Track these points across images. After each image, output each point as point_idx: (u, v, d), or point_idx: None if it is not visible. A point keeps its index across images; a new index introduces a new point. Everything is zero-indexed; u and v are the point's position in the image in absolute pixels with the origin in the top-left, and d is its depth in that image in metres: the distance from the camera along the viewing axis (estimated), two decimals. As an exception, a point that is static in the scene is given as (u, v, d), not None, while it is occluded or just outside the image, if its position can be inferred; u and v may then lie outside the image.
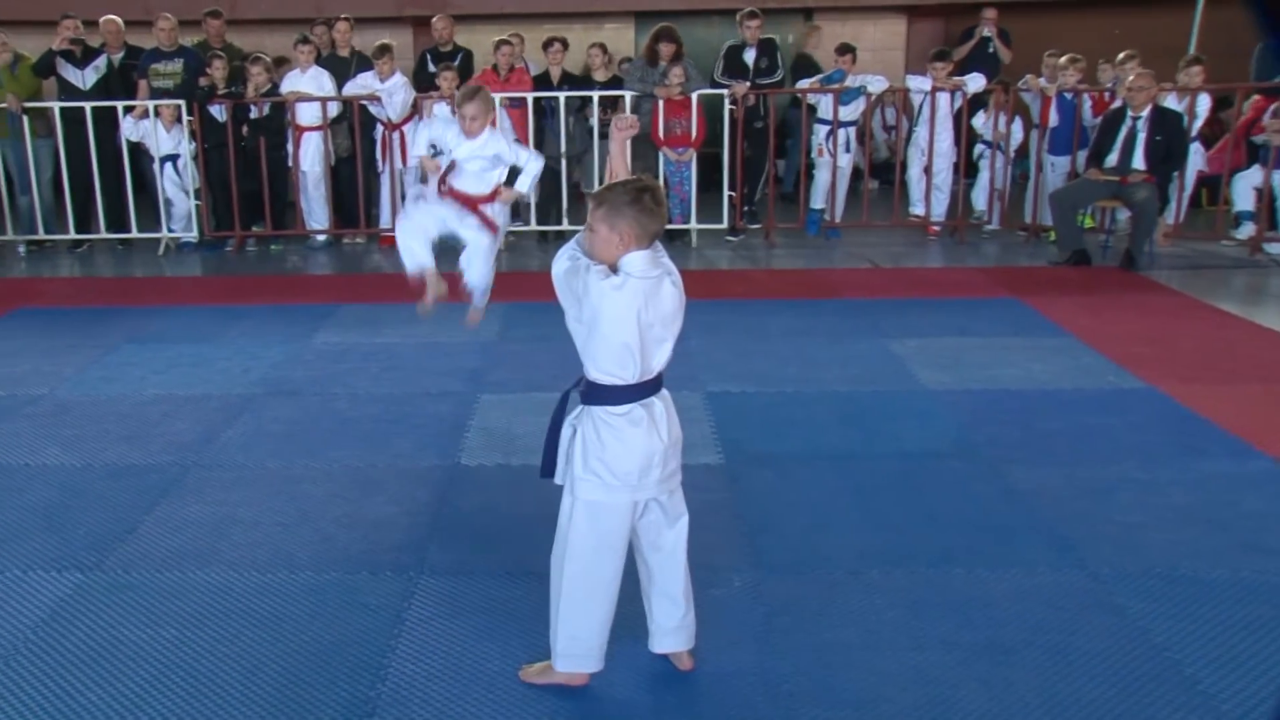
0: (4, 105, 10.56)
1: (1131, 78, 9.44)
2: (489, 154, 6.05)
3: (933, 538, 4.51)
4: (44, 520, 4.81)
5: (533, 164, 6.25)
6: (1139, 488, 4.99)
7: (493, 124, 6.11)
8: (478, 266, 6.25)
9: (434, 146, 6.49)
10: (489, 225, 6.19)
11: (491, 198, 6.14)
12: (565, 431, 3.41)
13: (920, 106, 10.78)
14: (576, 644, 3.44)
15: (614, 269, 3.26)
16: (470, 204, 6.13)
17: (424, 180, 6.17)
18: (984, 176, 11.01)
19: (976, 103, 10.81)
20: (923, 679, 3.54)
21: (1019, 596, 4.04)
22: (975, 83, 10.60)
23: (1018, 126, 10.88)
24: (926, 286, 8.94)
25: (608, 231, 3.24)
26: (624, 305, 3.21)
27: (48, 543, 4.59)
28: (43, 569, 4.37)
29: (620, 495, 3.33)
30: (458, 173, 6.11)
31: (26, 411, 6.22)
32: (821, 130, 10.87)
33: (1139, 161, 9.30)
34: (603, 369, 3.29)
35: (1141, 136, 9.30)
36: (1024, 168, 11.48)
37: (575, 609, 3.41)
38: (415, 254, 6.20)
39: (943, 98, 10.59)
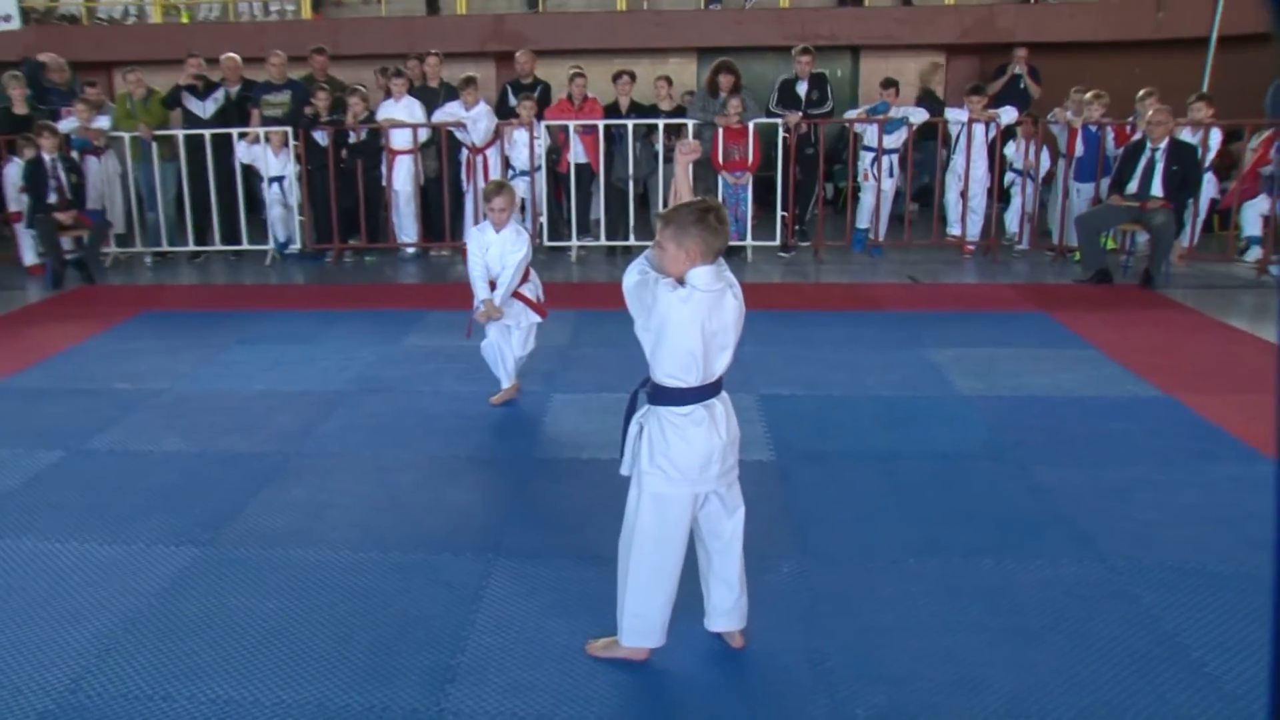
0: (137, 134, 10.83)
1: (1151, 113, 9.34)
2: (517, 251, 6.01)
3: (965, 531, 4.48)
4: (165, 500, 4.90)
5: (506, 274, 6.02)
6: (1154, 488, 4.93)
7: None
8: (521, 341, 6.28)
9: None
10: (536, 309, 6.22)
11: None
12: (632, 429, 3.43)
13: (957, 136, 10.70)
14: (642, 621, 3.45)
15: (681, 282, 3.25)
16: (520, 298, 6.16)
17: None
18: (1015, 201, 10.91)
19: (1008, 133, 10.73)
20: (954, 659, 3.52)
21: (1043, 585, 4.01)
22: (1008, 115, 10.53)
23: (1046, 155, 10.78)
24: (962, 301, 8.86)
25: (675, 248, 3.26)
26: (689, 316, 3.22)
27: (168, 521, 4.68)
28: (164, 544, 4.46)
29: (682, 488, 3.34)
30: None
31: (150, 404, 6.33)
32: (867, 157, 10.82)
33: (1157, 189, 9.20)
34: (668, 373, 3.30)
35: (1160, 166, 9.20)
36: (1048, 193, 11.37)
37: (641, 590, 3.43)
38: (500, 365, 6.27)
39: (978, 128, 10.51)
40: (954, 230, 10.93)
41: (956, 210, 10.81)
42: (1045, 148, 10.75)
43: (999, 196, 10.92)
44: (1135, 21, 12.95)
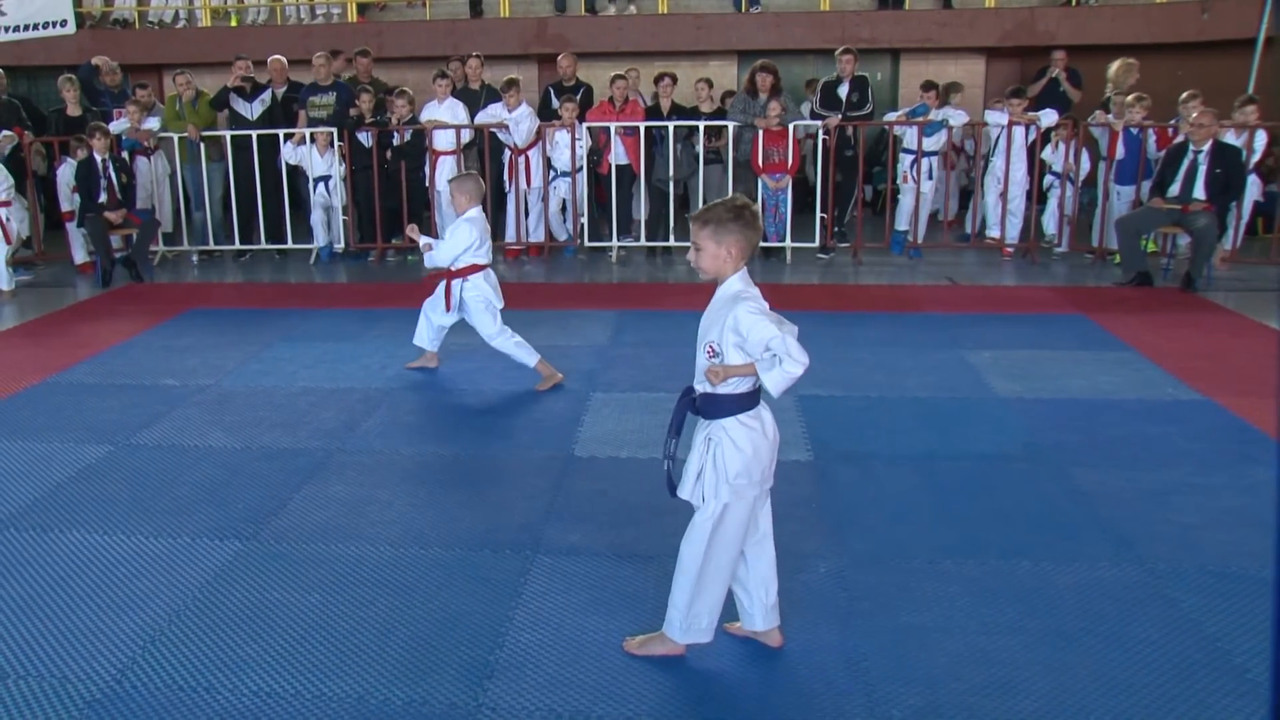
0: (185, 135, 10.95)
1: (1195, 115, 9.22)
2: None
3: (1002, 533, 4.44)
4: (209, 495, 4.94)
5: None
6: (1194, 491, 4.86)
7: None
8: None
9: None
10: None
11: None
12: (699, 448, 3.41)
13: (997, 139, 10.60)
14: (699, 619, 3.45)
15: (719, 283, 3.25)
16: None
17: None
18: (1053, 203, 10.79)
19: (1048, 136, 10.61)
20: (991, 661, 3.49)
21: (1080, 588, 3.96)
22: (1048, 118, 10.42)
23: (1086, 158, 10.66)
24: (1000, 303, 8.78)
25: (715, 247, 3.26)
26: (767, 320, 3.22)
27: (212, 515, 4.72)
28: (208, 537, 4.49)
29: (750, 493, 3.35)
30: None
31: (196, 399, 6.39)
32: (906, 159, 10.76)
33: (1199, 192, 9.08)
34: (732, 381, 3.28)
35: (1202, 169, 9.08)
36: (1091, 196, 11.22)
37: (705, 589, 3.42)
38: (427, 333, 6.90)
39: (1018, 131, 10.42)
40: (993, 233, 10.84)
41: (996, 213, 10.72)
42: (1085, 150, 10.64)
43: (1038, 199, 10.82)
44: (1180, 23, 12.80)
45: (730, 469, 3.32)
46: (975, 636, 3.65)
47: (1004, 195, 10.55)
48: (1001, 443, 5.54)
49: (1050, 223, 10.93)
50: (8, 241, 9.66)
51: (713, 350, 3.32)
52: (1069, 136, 10.45)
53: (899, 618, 3.78)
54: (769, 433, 3.38)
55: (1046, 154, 10.58)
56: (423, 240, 6.49)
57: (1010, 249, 10.74)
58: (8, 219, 9.71)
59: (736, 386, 3.32)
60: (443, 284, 6.55)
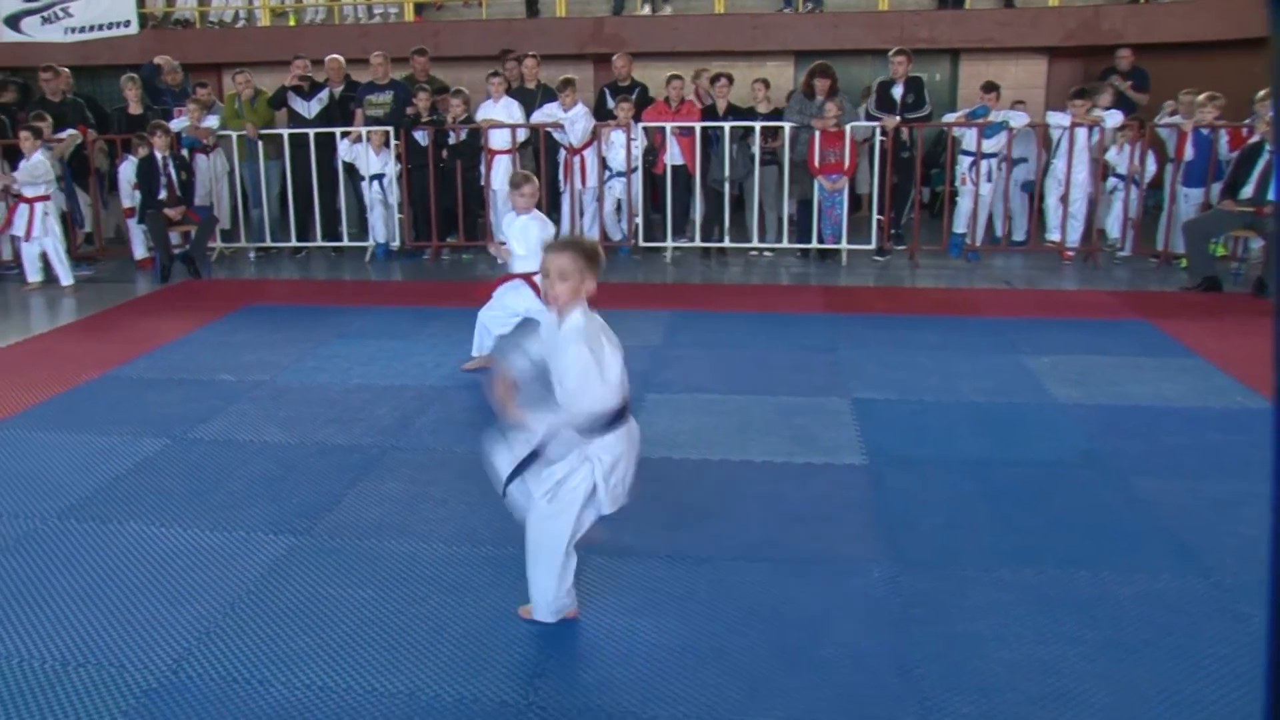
0: (244, 133, 11.10)
1: (1271, 114, 9.03)
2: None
3: (1060, 541, 4.38)
4: (264, 489, 5.00)
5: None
6: (1262, 501, 4.67)
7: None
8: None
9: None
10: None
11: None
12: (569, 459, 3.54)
13: (1059, 140, 10.47)
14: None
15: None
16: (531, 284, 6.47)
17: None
18: (1117, 206, 10.63)
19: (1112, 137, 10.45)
20: (1048, 671, 3.44)
21: (1142, 600, 3.89)
22: (1113, 119, 10.26)
23: (1152, 160, 10.48)
24: (1060, 307, 8.67)
25: (578, 279, 3.44)
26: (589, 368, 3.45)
27: (267, 509, 4.77)
28: (262, 531, 4.54)
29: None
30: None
31: (251, 395, 6.46)
32: (965, 161, 10.67)
33: (1276, 194, 8.90)
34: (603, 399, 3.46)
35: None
36: (1157, 199, 11.04)
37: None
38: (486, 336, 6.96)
39: (1080, 132, 10.28)
40: (1053, 236, 10.71)
41: (1056, 215, 10.59)
42: (1151, 152, 10.46)
43: (1100, 201, 10.66)
44: (1255, 18, 12.52)
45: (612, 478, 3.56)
46: (1032, 646, 3.60)
47: (1064, 198, 10.43)
48: (1060, 449, 5.46)
49: (1113, 226, 10.77)
50: (28, 238, 9.78)
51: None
52: (1134, 138, 10.29)
53: (953, 625, 3.74)
54: (634, 439, 3.62)
55: (1110, 155, 10.41)
56: (502, 247, 6.70)
57: (1071, 252, 10.61)
58: (45, 213, 9.82)
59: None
60: (511, 285, 6.63)
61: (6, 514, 4.74)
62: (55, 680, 3.46)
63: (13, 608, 3.93)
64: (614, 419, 3.50)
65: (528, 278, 6.44)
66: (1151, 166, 10.49)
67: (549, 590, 3.65)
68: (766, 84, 11.00)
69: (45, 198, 9.85)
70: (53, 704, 3.33)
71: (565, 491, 3.52)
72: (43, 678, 3.47)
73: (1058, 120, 10.46)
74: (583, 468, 3.51)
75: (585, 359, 3.36)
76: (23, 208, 9.75)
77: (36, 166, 9.70)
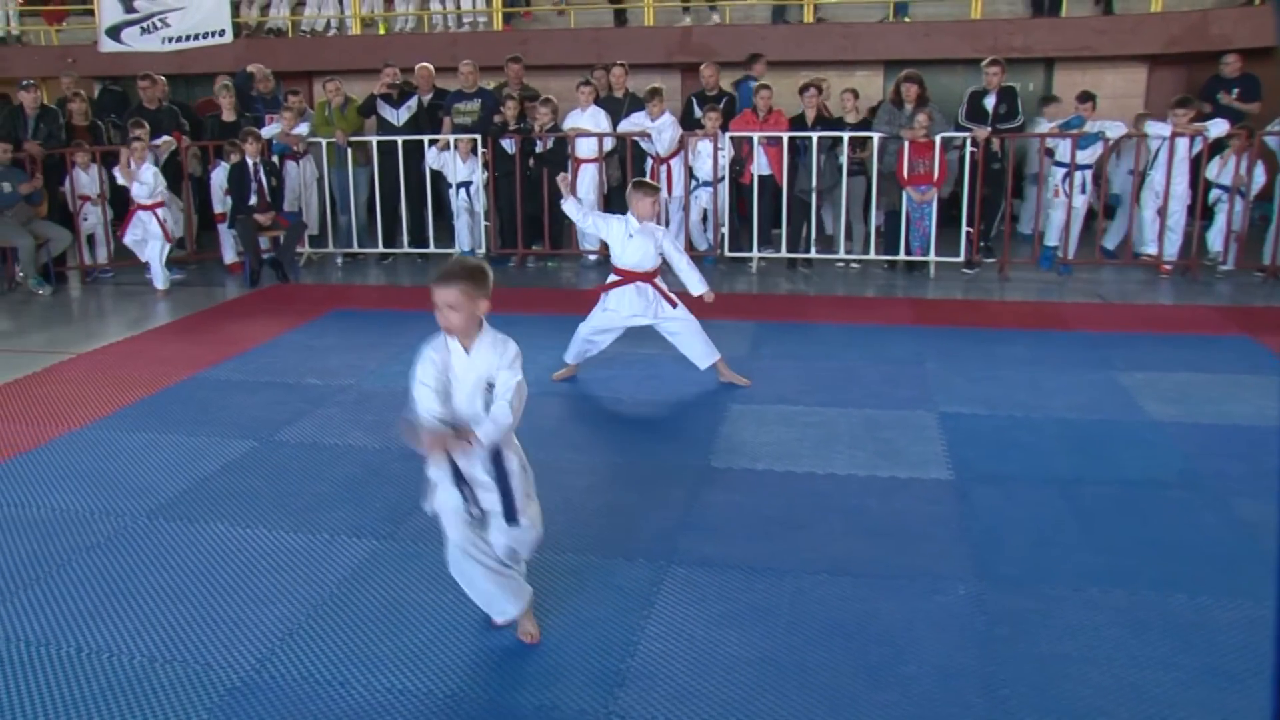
0: (333, 140, 11.30)
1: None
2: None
3: (1155, 562, 4.28)
4: (348, 493, 5.08)
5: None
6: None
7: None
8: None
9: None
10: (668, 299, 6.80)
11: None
12: (516, 475, 3.76)
13: (1157, 151, 10.23)
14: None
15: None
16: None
17: None
18: (1220, 218, 10.34)
19: (1215, 148, 10.17)
20: (1141, 696, 3.36)
21: (1245, 626, 3.78)
22: (1217, 128, 9.98)
23: (1261, 170, 10.17)
24: (1156, 322, 8.46)
25: (470, 306, 3.67)
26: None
27: (351, 513, 4.84)
28: (346, 535, 4.62)
29: None
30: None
31: (337, 399, 6.57)
32: (1059, 172, 10.48)
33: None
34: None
35: None
36: (1265, 210, 10.72)
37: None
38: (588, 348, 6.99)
39: (1181, 142, 10.03)
40: (1149, 249, 10.47)
41: (1153, 228, 10.36)
42: (1261, 162, 10.15)
43: (1201, 214, 10.39)
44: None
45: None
46: (1123, 669, 3.52)
47: (1161, 211, 10.19)
48: (1155, 468, 5.34)
49: (1216, 239, 10.49)
50: (168, 239, 10.14)
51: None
52: (1241, 148, 10.00)
53: (1040, 645, 3.68)
54: None
55: (1212, 170, 10.12)
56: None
57: (1169, 266, 10.37)
58: (165, 219, 10.20)
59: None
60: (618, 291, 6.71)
61: (99, 512, 4.88)
62: (144, 676, 3.55)
63: (104, 604, 4.04)
64: None
65: (644, 277, 6.56)
66: (1260, 178, 10.19)
67: (498, 593, 3.74)
68: (855, 94, 10.92)
69: (161, 204, 10.18)
70: (141, 700, 3.41)
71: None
72: (132, 673, 3.56)
73: (1157, 130, 10.23)
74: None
75: (520, 382, 3.66)
76: (141, 215, 10.14)
77: (152, 180, 10.09)
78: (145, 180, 10.10)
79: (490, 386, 3.63)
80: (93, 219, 10.96)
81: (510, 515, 3.68)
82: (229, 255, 11.16)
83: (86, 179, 10.82)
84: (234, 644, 3.74)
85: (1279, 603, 1.70)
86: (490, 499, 3.67)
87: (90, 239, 11.05)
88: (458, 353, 3.68)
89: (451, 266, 3.69)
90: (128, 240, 10.32)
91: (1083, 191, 10.41)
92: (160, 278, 10.14)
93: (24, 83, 11.44)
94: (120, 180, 10.24)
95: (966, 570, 4.24)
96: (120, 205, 10.79)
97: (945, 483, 5.16)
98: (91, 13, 14.15)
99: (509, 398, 3.59)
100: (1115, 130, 10.33)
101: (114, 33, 11.92)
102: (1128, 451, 5.57)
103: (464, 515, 3.66)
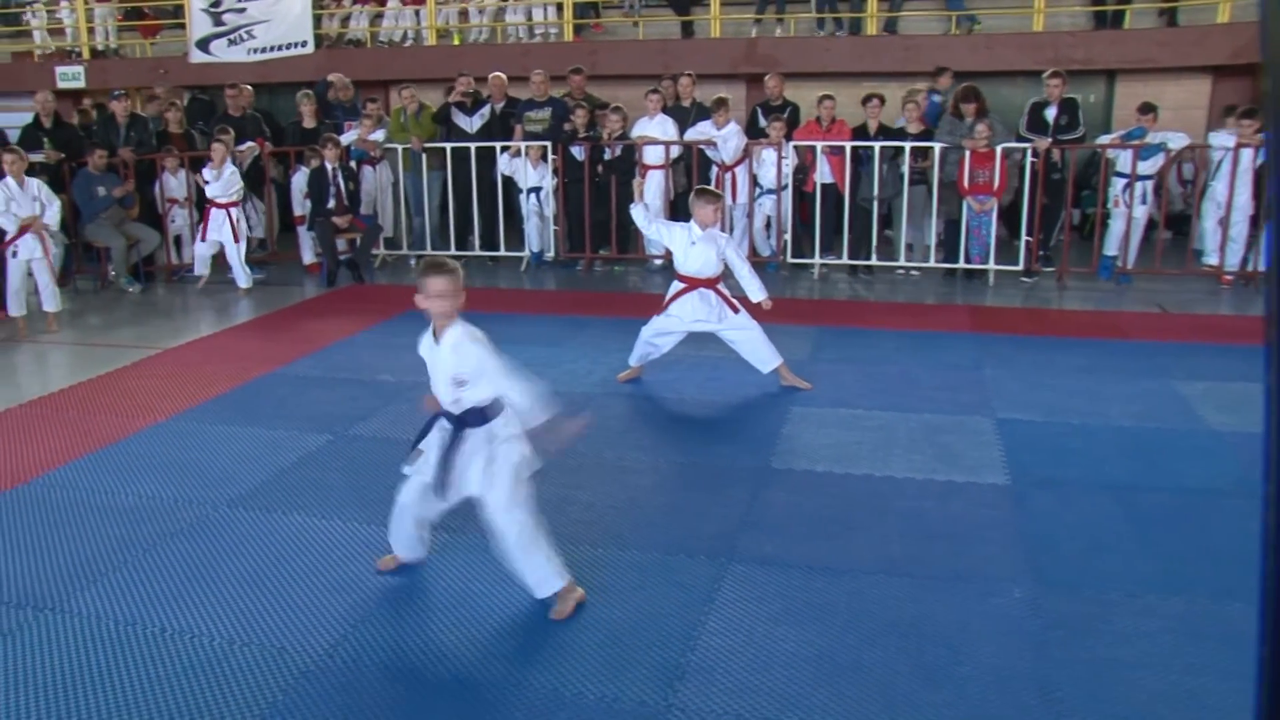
0: (409, 145, 11.44)
1: None
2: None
3: (1212, 571, 4.20)
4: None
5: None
6: None
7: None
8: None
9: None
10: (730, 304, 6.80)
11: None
12: (479, 452, 4.00)
13: (1220, 162, 10.05)
14: (554, 559, 3.93)
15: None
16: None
17: None
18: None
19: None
20: (1197, 703, 3.30)
21: (1300, 635, 3.70)
22: None
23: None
24: (1216, 332, 8.30)
25: (455, 295, 4.10)
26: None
27: (421, 506, 4.89)
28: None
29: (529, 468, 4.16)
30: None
31: (409, 395, 6.61)
32: (1119, 183, 10.33)
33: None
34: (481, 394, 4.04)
35: None
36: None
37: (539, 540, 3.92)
38: (651, 350, 7.02)
39: (1245, 153, 9.84)
40: (1211, 260, 10.28)
41: (1215, 239, 10.17)
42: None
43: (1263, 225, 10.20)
44: None
45: (517, 455, 3.96)
46: (1179, 676, 3.46)
47: (1224, 221, 10.00)
48: (1213, 477, 5.24)
49: (1276, 251, 10.28)
50: (236, 239, 10.30)
51: (462, 380, 4.02)
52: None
53: (1094, 649, 3.63)
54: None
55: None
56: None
57: (1230, 277, 10.18)
58: (239, 219, 10.37)
59: (485, 399, 4.00)
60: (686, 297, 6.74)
61: (181, 501, 4.98)
62: (223, 656, 3.62)
63: (186, 588, 4.12)
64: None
65: (706, 283, 6.59)
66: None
67: (543, 563, 3.87)
68: (918, 104, 10.84)
69: (236, 204, 10.37)
70: (220, 680, 3.48)
71: (512, 478, 3.93)
72: (212, 654, 3.63)
73: (1221, 141, 10.05)
74: (503, 448, 3.99)
75: (496, 365, 4.03)
76: (216, 213, 10.30)
77: (231, 179, 10.24)
78: (224, 178, 10.26)
79: (459, 383, 4.02)
80: (180, 221, 11.20)
81: (438, 486, 3.91)
82: (308, 256, 11.34)
83: (175, 183, 11.06)
84: (307, 629, 3.80)
85: (1260, 606, 1.67)
86: (467, 479, 3.93)
87: (177, 240, 11.29)
88: (427, 342, 4.09)
89: (437, 260, 4.03)
90: (199, 249, 10.55)
91: (1143, 202, 10.26)
92: (242, 277, 10.32)
93: (115, 92, 11.73)
94: (206, 179, 10.44)
95: (1022, 574, 4.19)
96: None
97: (1002, 487, 5.10)
98: (183, 26, 14.48)
99: (507, 383, 4.04)
100: (1178, 141, 10.17)
101: (204, 44, 12.20)
102: (1185, 460, 5.48)
103: (424, 486, 3.99)
